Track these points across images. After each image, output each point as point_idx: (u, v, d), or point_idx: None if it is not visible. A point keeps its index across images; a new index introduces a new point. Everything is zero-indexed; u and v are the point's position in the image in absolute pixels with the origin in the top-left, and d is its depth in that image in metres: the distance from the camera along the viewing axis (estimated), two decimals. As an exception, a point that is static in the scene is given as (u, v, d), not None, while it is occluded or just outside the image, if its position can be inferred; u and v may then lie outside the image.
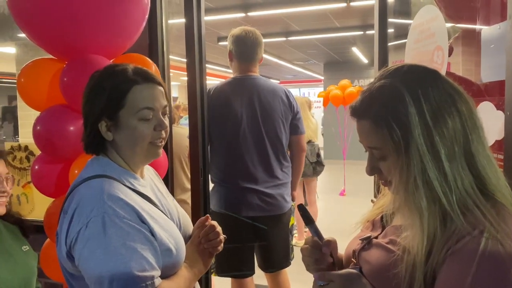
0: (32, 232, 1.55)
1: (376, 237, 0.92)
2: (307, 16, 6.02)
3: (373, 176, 0.94)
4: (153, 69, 1.76)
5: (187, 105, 3.98)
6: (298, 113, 2.36)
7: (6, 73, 8.61)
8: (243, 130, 2.23)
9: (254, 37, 2.33)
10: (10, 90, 9.03)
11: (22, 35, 4.55)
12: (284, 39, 7.38)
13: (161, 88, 1.08)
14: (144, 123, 1.03)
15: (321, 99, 8.73)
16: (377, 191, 2.07)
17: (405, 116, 0.78)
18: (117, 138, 1.04)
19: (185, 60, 2.13)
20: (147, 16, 1.72)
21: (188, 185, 2.76)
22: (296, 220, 4.65)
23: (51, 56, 1.67)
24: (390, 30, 2.10)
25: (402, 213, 0.85)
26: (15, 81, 5.16)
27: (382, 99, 0.82)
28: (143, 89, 1.04)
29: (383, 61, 1.98)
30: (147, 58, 1.79)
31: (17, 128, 6.10)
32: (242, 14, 5.55)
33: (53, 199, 1.76)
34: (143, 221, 0.97)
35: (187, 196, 2.70)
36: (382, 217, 0.97)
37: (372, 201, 2.11)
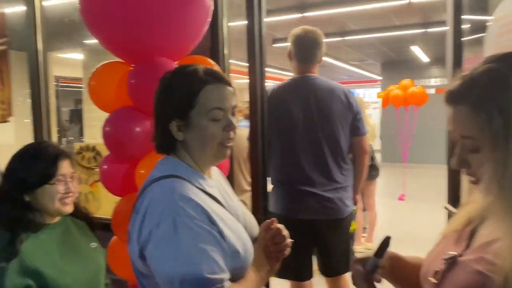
0: (99, 228, 1.59)
1: (462, 255, 0.82)
2: (366, 15, 5.86)
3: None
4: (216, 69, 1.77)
5: (242, 107, 4.01)
6: (359, 114, 2.28)
7: (74, 78, 9.10)
8: (300, 132, 2.19)
9: (314, 37, 2.28)
10: (76, 94, 9.54)
11: (89, 41, 4.78)
12: (340, 39, 7.24)
13: (231, 88, 1.08)
14: (214, 123, 1.03)
15: (379, 99, 8.45)
16: (452, 196, 1.96)
17: (510, 104, 0.71)
18: (187, 138, 1.04)
19: (240, 63, 2.13)
20: (210, 19, 1.73)
21: (246, 187, 2.76)
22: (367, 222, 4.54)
23: (119, 60, 1.73)
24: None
25: (495, 219, 0.77)
26: (82, 85, 5.43)
27: (486, 83, 0.75)
28: (214, 89, 1.03)
29: (457, 58, 1.85)
30: (210, 60, 1.80)
31: (82, 129, 6.44)
32: (299, 15, 5.50)
33: (120, 197, 1.82)
34: (213, 222, 0.96)
35: (245, 197, 2.70)
36: (469, 228, 0.87)
37: (446, 208, 1.99)
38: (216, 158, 1.08)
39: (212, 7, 1.73)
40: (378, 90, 11.73)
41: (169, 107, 1.03)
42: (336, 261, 2.28)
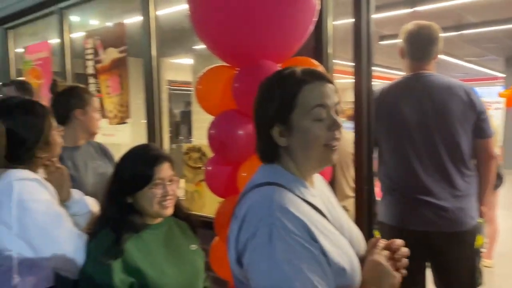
0: (200, 227, 1.61)
1: None
2: (487, 5, 5.26)
3: None
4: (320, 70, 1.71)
5: (344, 108, 3.87)
6: (483, 113, 2.00)
7: (184, 81, 9.70)
8: (413, 134, 2.00)
9: (429, 32, 2.08)
10: (186, 96, 10.17)
11: (198, 47, 5.02)
12: (455, 33, 6.62)
13: (331, 85, 1.00)
14: (317, 123, 0.96)
15: (502, 99, 7.55)
16: None
17: None
18: (290, 144, 0.99)
19: (342, 62, 2.02)
20: (315, 19, 1.67)
21: (349, 192, 2.64)
22: (486, 237, 4.07)
23: (224, 64, 1.76)
24: None
25: None
26: (191, 88, 5.73)
27: None
28: (313, 87, 0.98)
29: None
30: (314, 61, 1.74)
31: (191, 130, 6.81)
32: (409, 10, 5.14)
33: (223, 199, 1.85)
34: (313, 238, 0.89)
35: (347, 203, 2.59)
36: None
37: None
38: (321, 163, 1.01)
39: (319, 7, 1.67)
40: (500, 88, 10.50)
41: (269, 113, 0.99)
42: (456, 279, 2.03)
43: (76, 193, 1.48)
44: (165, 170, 1.37)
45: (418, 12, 5.18)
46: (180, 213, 1.50)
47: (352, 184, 2.58)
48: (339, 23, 2.24)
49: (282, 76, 1.02)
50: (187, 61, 6.89)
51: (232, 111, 1.67)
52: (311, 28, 1.67)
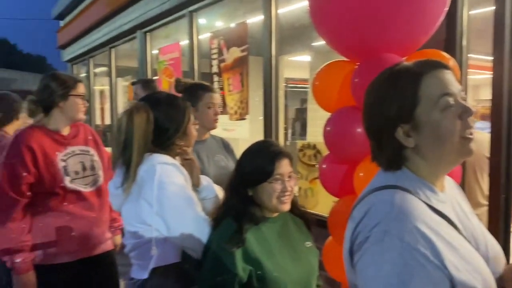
0: (314, 225, 1.60)
1: None
2: None
3: None
4: (451, 64, 1.55)
5: (477, 107, 3.48)
6: None
7: (300, 79, 9.77)
8: None
9: None
10: (302, 94, 10.22)
11: (317, 43, 4.99)
12: None
13: (450, 71, 0.90)
14: (447, 113, 0.86)
15: None
16: None
17: None
18: (419, 142, 0.90)
19: (476, 56, 1.80)
20: (446, 9, 1.52)
21: (482, 200, 2.37)
22: None
23: (343, 59, 1.70)
24: None
25: None
26: (307, 85, 5.74)
27: None
28: (434, 77, 0.88)
29: None
30: (444, 53, 1.59)
31: (305, 127, 6.81)
32: None
33: (337, 198, 1.80)
34: (435, 253, 0.78)
35: (480, 212, 2.32)
36: None
37: None
38: (458, 155, 0.90)
39: (451, -5, 1.52)
40: None
41: (390, 114, 0.91)
42: None
43: (204, 179, 1.59)
44: (284, 166, 1.39)
45: None
46: (295, 209, 1.51)
47: (486, 192, 2.31)
48: (476, 12, 2.01)
49: (394, 73, 0.93)
50: (305, 58, 6.90)
51: (350, 107, 1.61)
52: (441, 18, 1.52)
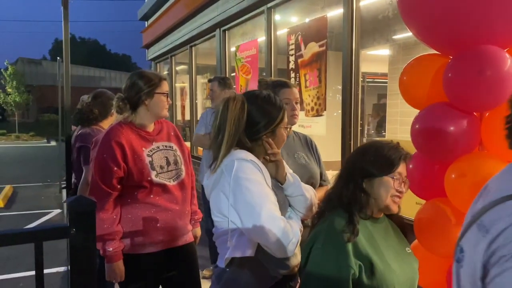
0: (410, 232, 1.53)
1: None
2: None
3: None
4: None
5: None
6: None
7: (379, 73, 9.40)
8: None
9: None
10: (380, 89, 9.84)
11: (398, 36, 4.76)
12: None
13: None
14: None
15: None
16: None
17: None
18: None
19: None
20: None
21: None
22: None
23: (433, 52, 1.59)
24: None
25: None
26: (386, 80, 5.48)
27: None
28: None
29: None
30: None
31: (383, 124, 6.54)
32: None
33: (424, 200, 1.70)
34: None
35: None
36: None
37: None
38: None
39: None
40: None
41: None
42: None
43: (292, 177, 1.57)
44: (404, 168, 1.37)
45: None
46: (396, 215, 1.46)
47: None
48: None
49: None
50: (384, 52, 6.64)
51: (442, 104, 1.50)
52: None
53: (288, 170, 1.62)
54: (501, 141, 1.38)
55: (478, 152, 1.48)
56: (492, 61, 1.33)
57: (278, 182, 1.51)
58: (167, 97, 2.09)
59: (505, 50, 1.38)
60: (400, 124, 4.72)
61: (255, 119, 1.48)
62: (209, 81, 3.53)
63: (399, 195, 1.35)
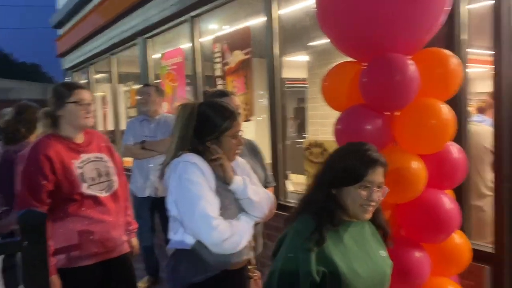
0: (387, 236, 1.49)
1: None
2: None
3: None
4: (452, 61, 1.62)
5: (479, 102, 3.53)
6: None
7: (297, 78, 9.80)
8: None
9: None
10: (300, 93, 10.25)
11: (312, 43, 5.02)
12: None
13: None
14: None
15: None
16: None
17: None
18: None
19: (477, 51, 1.87)
20: (447, 8, 1.59)
21: (485, 191, 2.44)
22: None
23: (350, 59, 1.77)
24: None
25: None
26: (306, 85, 5.74)
27: None
28: None
29: None
30: (446, 51, 1.66)
31: (304, 126, 6.87)
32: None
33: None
34: None
35: (483, 203, 2.39)
36: None
37: None
38: None
39: (452, -6, 1.59)
40: None
41: None
42: None
43: (243, 181, 1.63)
44: (377, 175, 1.31)
45: None
46: (377, 218, 1.42)
47: (489, 182, 2.38)
48: (476, 6, 2.09)
49: None
50: (302, 58, 6.96)
51: (359, 106, 1.67)
52: (443, 17, 1.59)
53: (248, 174, 1.73)
54: (410, 137, 1.60)
55: (392, 147, 1.68)
56: (399, 68, 1.52)
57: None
58: (87, 105, 2.04)
59: (409, 57, 1.59)
60: (320, 126, 5.00)
61: (202, 126, 1.59)
62: (143, 87, 3.55)
63: (370, 204, 1.31)
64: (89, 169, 2.04)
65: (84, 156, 2.05)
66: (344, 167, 1.32)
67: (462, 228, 1.90)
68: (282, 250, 1.32)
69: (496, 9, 1.81)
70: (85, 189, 1.98)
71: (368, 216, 1.34)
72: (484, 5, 1.89)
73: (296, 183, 3.61)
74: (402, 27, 1.54)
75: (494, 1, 1.81)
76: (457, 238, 1.70)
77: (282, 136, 3.24)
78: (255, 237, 1.85)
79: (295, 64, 7.79)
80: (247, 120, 3.49)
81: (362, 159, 1.31)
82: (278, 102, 3.17)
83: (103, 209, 2.05)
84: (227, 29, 3.91)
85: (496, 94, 1.84)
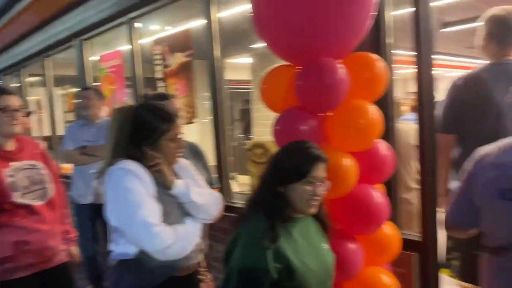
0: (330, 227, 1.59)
1: None
2: None
3: None
4: (378, 65, 1.74)
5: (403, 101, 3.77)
6: None
7: (242, 80, 9.89)
8: (505, 125, 1.94)
9: None
10: (245, 95, 10.35)
11: (255, 46, 5.12)
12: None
13: None
14: None
15: None
16: None
17: None
18: None
19: (405, 52, 2.03)
20: (373, 13, 1.71)
21: (412, 184, 2.62)
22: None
23: (286, 63, 1.84)
24: None
25: None
26: (250, 87, 5.86)
27: None
28: None
29: None
30: (373, 55, 1.77)
31: (249, 127, 6.96)
32: (473, -6, 4.90)
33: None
34: None
35: (411, 196, 2.57)
36: None
37: None
38: None
39: (377, 0, 1.70)
40: None
41: None
42: None
43: (185, 185, 1.61)
44: (320, 170, 1.38)
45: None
46: (319, 212, 1.49)
47: (415, 176, 2.56)
48: (400, 12, 2.24)
49: None
50: (246, 60, 7.05)
51: (295, 107, 1.75)
52: (370, 23, 1.70)
53: (193, 177, 1.71)
54: (341, 136, 1.70)
55: (325, 146, 1.77)
56: (330, 71, 1.61)
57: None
58: (13, 112, 1.96)
59: (339, 61, 1.69)
60: (265, 127, 5.10)
61: (138, 130, 1.54)
62: (83, 90, 3.46)
63: (315, 198, 1.38)
64: (22, 177, 1.97)
65: (15, 164, 1.97)
66: (289, 165, 1.38)
67: (393, 220, 2.05)
68: (237, 251, 1.32)
69: (416, 15, 1.96)
70: (17, 198, 1.91)
71: (314, 210, 1.41)
72: (406, 11, 2.04)
73: (242, 184, 3.67)
74: (332, 33, 1.63)
75: (414, 8, 1.96)
76: (388, 229, 1.82)
77: (226, 137, 3.27)
78: (203, 238, 1.86)
79: (240, 66, 7.86)
80: (191, 123, 3.49)
81: (306, 156, 1.38)
82: (220, 104, 3.20)
83: (38, 218, 1.99)
84: (167, 31, 3.89)
85: (418, 93, 1.99)
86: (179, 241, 1.50)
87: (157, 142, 1.56)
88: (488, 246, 1.43)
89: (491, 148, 1.47)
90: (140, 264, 1.51)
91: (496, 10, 2.07)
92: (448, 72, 9.50)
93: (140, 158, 1.55)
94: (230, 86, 8.94)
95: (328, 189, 1.43)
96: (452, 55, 9.45)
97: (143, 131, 1.55)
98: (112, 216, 1.52)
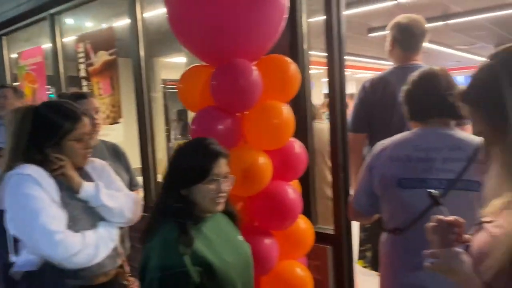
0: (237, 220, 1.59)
1: (490, 222, 0.92)
2: (470, -5, 5.35)
3: None
4: (291, 67, 1.82)
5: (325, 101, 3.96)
6: None
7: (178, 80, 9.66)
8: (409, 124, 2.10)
9: (419, 25, 2.21)
10: (182, 94, 10.10)
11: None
12: (442, 23, 6.69)
13: None
14: None
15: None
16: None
17: (503, 99, 0.80)
18: None
19: (321, 53, 2.14)
20: (285, 17, 1.78)
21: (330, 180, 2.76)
22: None
23: (204, 63, 1.87)
24: None
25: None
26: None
27: (481, 81, 0.86)
28: None
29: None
30: (286, 58, 1.85)
31: (187, 127, 6.90)
32: (394, 2, 5.23)
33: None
34: None
35: (330, 192, 2.69)
36: None
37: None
38: None
39: (288, 4, 1.78)
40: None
41: None
42: None
43: (95, 188, 1.53)
44: (222, 166, 1.35)
45: (403, 4, 5.28)
46: (225, 206, 1.45)
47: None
48: (316, 20, 2.35)
49: None
50: (181, 59, 6.96)
51: (211, 107, 1.78)
52: (282, 26, 1.78)
53: (107, 177, 1.65)
54: (256, 135, 1.76)
55: (242, 145, 1.82)
56: (243, 72, 1.66)
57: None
58: None
59: (254, 62, 1.75)
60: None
61: (38, 131, 1.45)
62: (0, 87, 3.25)
63: (220, 195, 1.35)
64: None
65: None
66: (189, 166, 1.34)
67: (309, 214, 2.15)
68: (154, 262, 1.26)
69: (328, 22, 2.07)
70: None
71: (221, 207, 1.39)
72: (320, 18, 2.15)
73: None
74: (245, 35, 1.68)
75: (326, 16, 2.08)
76: (302, 223, 1.91)
77: (154, 138, 3.23)
78: (122, 241, 1.81)
79: (175, 65, 7.73)
80: (116, 123, 3.40)
81: (205, 154, 1.34)
82: (147, 103, 3.15)
83: None
84: (91, 28, 3.76)
85: (330, 93, 2.10)
86: (87, 248, 1.43)
87: (61, 143, 1.47)
88: (386, 228, 1.60)
89: (387, 143, 1.62)
90: (46, 275, 1.42)
91: (400, 18, 2.24)
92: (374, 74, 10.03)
93: (42, 161, 1.45)
94: (166, 86, 8.79)
95: (232, 184, 1.41)
96: (378, 58, 10.01)
97: (45, 131, 1.46)
98: (12, 225, 1.41)
